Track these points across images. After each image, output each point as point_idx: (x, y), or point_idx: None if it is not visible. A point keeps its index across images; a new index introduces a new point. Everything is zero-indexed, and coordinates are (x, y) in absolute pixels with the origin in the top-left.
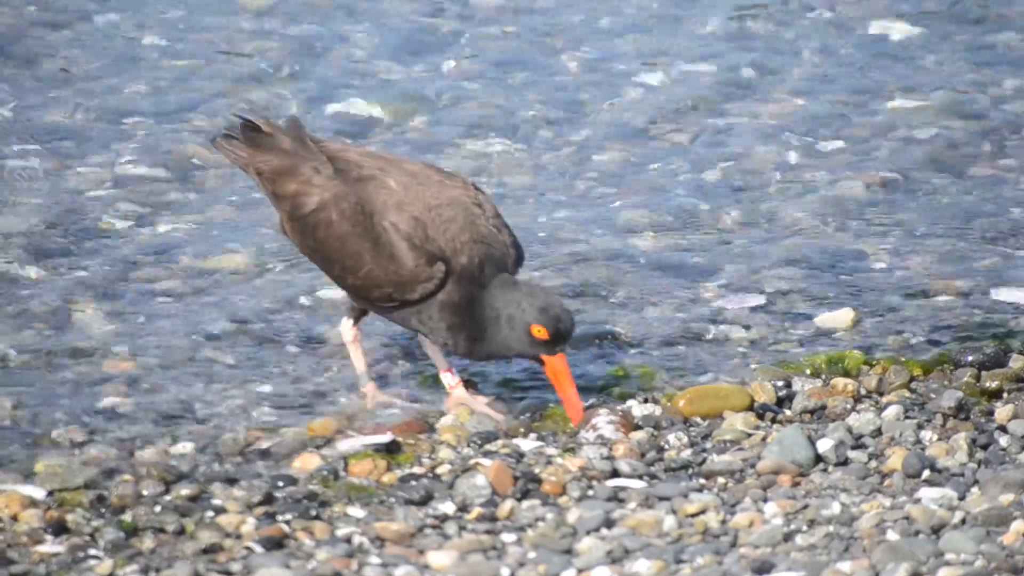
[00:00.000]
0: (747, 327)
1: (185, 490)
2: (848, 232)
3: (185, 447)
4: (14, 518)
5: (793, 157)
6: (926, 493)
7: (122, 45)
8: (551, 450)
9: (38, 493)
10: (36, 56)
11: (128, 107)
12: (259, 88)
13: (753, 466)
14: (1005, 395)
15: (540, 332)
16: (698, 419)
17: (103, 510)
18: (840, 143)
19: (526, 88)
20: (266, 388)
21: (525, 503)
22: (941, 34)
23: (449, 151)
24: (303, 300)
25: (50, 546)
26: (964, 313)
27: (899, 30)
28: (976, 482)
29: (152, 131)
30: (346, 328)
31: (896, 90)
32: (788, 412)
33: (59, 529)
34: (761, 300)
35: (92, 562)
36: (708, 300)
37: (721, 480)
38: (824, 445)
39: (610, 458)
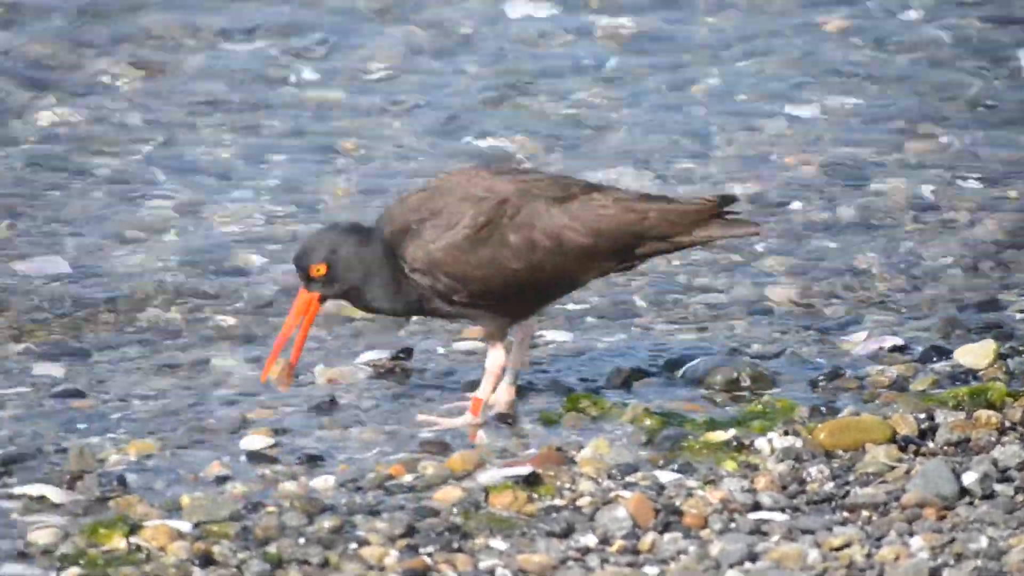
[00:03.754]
0: (888, 363)
1: (328, 522)
2: (987, 275)
3: (327, 481)
4: (162, 550)
5: (930, 194)
6: None
7: (265, 77)
8: (691, 482)
9: (184, 526)
10: (175, 87)
11: (268, 142)
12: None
13: (897, 499)
14: None
15: None
16: (840, 452)
17: (248, 543)
18: (978, 182)
19: (651, 119)
20: (405, 425)
21: (667, 535)
22: None
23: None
24: (439, 349)
25: None
26: None
27: None
28: None
29: (291, 166)
30: (503, 354)
31: None
32: (931, 444)
33: (206, 561)
34: (900, 340)
35: None
36: (846, 341)
37: (865, 513)
38: (969, 478)
39: (752, 491)
